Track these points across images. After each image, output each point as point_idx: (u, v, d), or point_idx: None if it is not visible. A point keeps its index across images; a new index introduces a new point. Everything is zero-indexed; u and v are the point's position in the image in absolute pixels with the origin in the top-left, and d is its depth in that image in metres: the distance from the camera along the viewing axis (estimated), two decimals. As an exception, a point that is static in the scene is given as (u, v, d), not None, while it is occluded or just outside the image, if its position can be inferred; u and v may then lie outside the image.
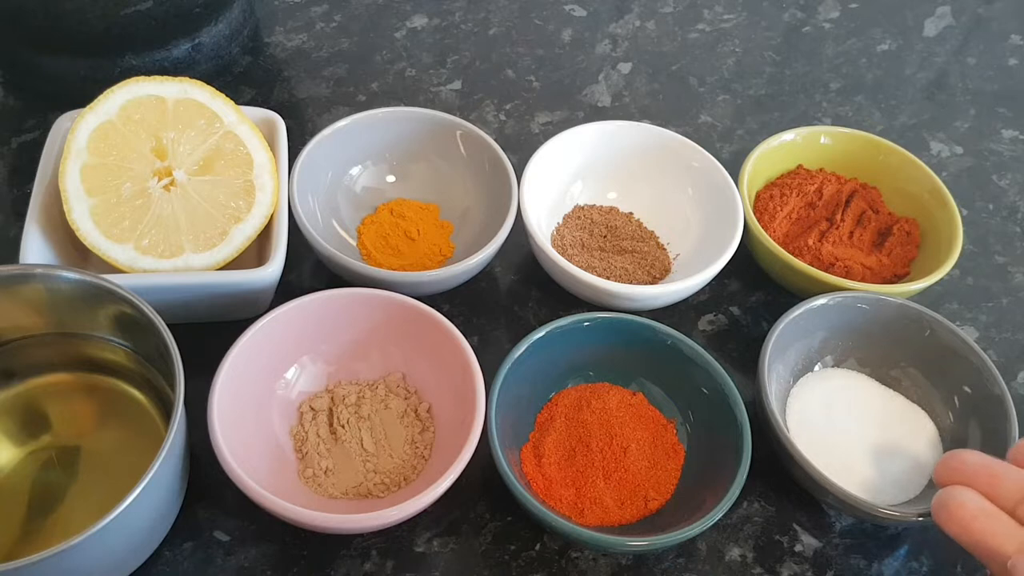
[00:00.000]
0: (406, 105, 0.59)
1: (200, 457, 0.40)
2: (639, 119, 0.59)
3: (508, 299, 0.51)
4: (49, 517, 0.38)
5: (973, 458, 0.34)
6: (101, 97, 0.43)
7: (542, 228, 0.50)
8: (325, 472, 0.40)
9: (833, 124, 0.62)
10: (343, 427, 0.42)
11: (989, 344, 0.51)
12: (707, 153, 0.52)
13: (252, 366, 0.40)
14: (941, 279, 0.48)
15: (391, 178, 0.54)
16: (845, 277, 0.48)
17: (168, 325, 0.37)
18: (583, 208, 0.53)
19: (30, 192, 0.43)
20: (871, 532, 0.43)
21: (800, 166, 0.55)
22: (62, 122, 0.46)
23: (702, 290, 0.51)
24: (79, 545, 0.31)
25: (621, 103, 0.63)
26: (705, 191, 0.52)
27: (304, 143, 0.49)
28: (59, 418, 0.41)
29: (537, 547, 0.41)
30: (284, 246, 0.43)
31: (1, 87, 0.58)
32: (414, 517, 0.38)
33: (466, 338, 0.41)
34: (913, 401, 0.46)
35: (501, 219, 0.47)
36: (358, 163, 0.53)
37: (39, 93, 0.57)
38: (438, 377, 0.43)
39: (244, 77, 0.60)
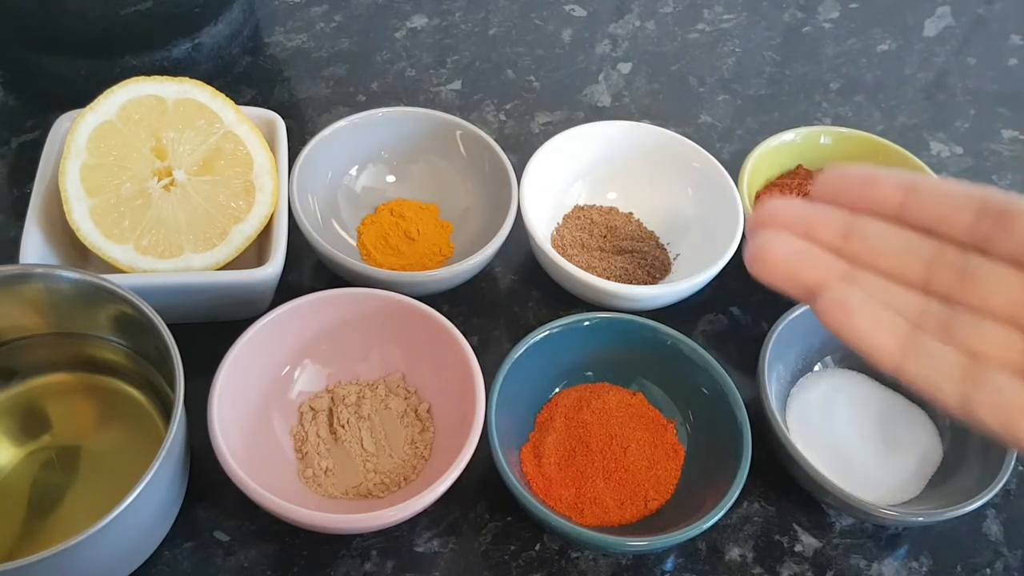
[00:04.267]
0: (406, 105, 0.59)
1: (200, 457, 0.40)
2: (639, 119, 0.59)
3: (508, 299, 0.51)
4: (49, 517, 0.38)
5: (785, 207, 0.30)
6: (101, 97, 0.43)
7: (542, 228, 0.50)
8: (325, 472, 0.40)
9: (833, 124, 0.62)
10: (343, 427, 0.42)
11: (989, 344, 0.51)
12: (707, 153, 0.52)
13: (252, 366, 0.40)
14: (941, 279, 0.48)
15: (391, 178, 0.54)
16: (845, 277, 0.48)
17: (168, 325, 0.37)
18: (583, 208, 0.53)
19: (30, 192, 0.43)
20: (871, 532, 0.43)
21: (800, 166, 0.55)
22: (62, 122, 0.46)
23: (702, 290, 0.51)
24: (79, 545, 0.31)
25: (621, 103, 0.63)
26: (705, 191, 0.52)
27: (304, 143, 0.49)
28: (59, 418, 0.41)
29: (537, 547, 0.41)
30: (284, 246, 0.43)
31: (1, 87, 0.58)
32: (414, 517, 0.38)
33: (466, 338, 0.41)
34: (913, 401, 0.46)
35: (501, 219, 0.47)
36: (358, 163, 0.53)
37: (39, 93, 0.57)
38: (438, 377, 0.43)
39: (244, 77, 0.60)
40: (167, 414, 0.40)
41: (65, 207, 0.41)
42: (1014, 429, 0.25)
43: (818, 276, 0.28)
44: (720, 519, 0.37)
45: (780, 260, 0.29)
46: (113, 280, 0.38)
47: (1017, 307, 0.27)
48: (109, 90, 0.43)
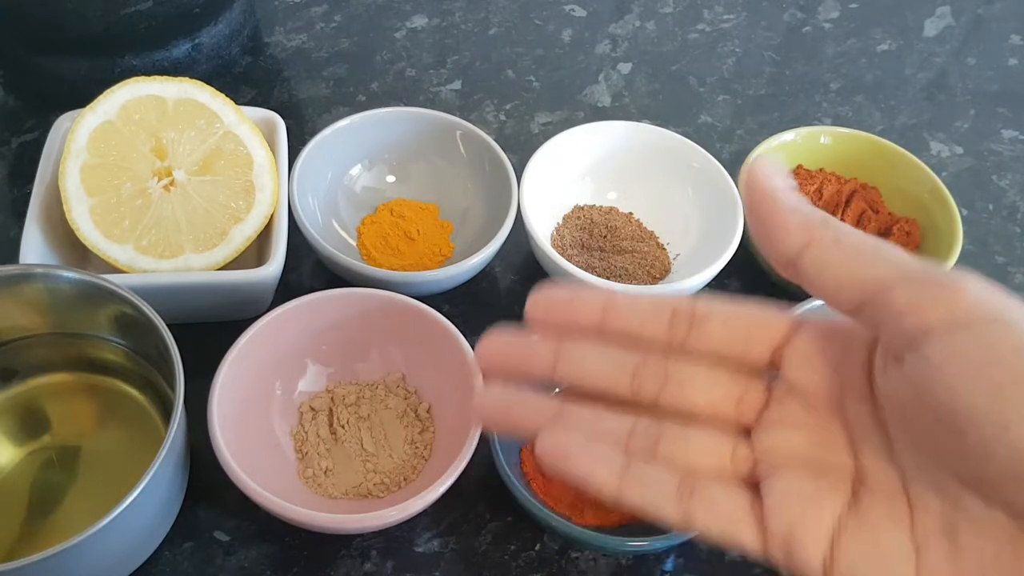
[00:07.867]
0: (406, 105, 0.59)
1: (200, 457, 0.40)
2: (639, 119, 0.59)
3: (508, 299, 0.51)
4: (49, 517, 0.38)
5: (496, 350, 0.31)
6: (101, 97, 0.43)
7: (542, 228, 0.50)
8: (325, 472, 0.41)
9: (833, 124, 0.62)
10: (343, 427, 0.42)
11: (989, 344, 0.51)
12: (707, 153, 0.52)
13: (252, 366, 0.40)
14: (941, 279, 0.48)
15: (391, 178, 0.54)
16: (845, 277, 0.48)
17: (168, 325, 0.37)
18: (583, 208, 0.53)
19: (30, 192, 0.43)
20: (871, 532, 0.43)
21: (800, 166, 0.55)
22: (62, 122, 0.46)
23: (702, 290, 0.51)
24: (79, 545, 0.31)
25: (621, 103, 0.63)
26: (705, 191, 0.52)
27: (304, 143, 0.49)
28: (59, 418, 0.41)
29: (537, 547, 0.41)
30: (284, 246, 0.43)
31: (1, 87, 0.58)
32: (414, 517, 0.38)
33: (466, 338, 0.41)
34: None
35: (501, 219, 0.47)
36: (358, 163, 0.53)
37: (39, 93, 0.57)
38: (438, 377, 0.43)
39: (244, 77, 0.60)
40: (167, 414, 0.40)
41: (65, 207, 0.41)
42: (732, 536, 0.26)
43: (534, 421, 0.29)
44: (720, 519, 0.37)
45: (497, 412, 0.30)
46: (113, 280, 0.38)
47: (720, 405, 0.28)
48: (109, 90, 0.43)
